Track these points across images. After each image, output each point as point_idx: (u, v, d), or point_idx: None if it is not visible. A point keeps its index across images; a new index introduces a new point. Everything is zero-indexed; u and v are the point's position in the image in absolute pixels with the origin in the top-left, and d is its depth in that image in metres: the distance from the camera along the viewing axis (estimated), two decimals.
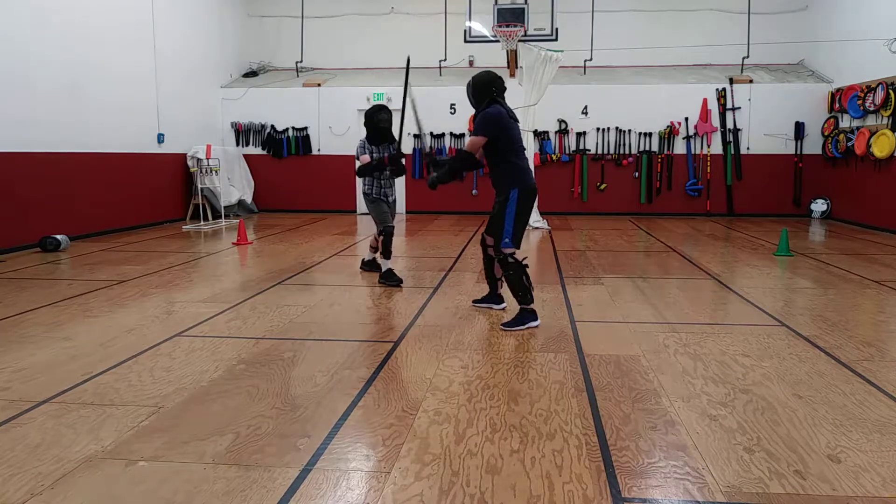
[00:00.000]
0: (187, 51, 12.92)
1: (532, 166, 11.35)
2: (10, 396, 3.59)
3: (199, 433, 3.11)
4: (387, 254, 6.64)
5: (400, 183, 14.09)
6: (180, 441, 3.03)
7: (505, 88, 5.22)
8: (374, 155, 6.60)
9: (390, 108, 6.79)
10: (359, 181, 6.65)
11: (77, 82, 9.79)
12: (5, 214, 8.58)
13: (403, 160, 6.52)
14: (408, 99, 6.08)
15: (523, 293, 5.02)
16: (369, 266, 7.26)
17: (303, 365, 4.13)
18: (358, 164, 6.59)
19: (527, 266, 5.10)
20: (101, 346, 4.52)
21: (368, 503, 2.52)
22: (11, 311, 5.53)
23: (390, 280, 6.60)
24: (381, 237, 6.63)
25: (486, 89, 5.11)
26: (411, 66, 6.27)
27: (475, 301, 5.79)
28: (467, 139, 5.09)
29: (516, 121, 5.20)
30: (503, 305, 5.59)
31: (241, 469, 2.77)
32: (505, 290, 5.55)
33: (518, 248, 5.09)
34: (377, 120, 6.56)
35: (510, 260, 5.04)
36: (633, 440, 3.04)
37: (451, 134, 13.89)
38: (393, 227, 6.68)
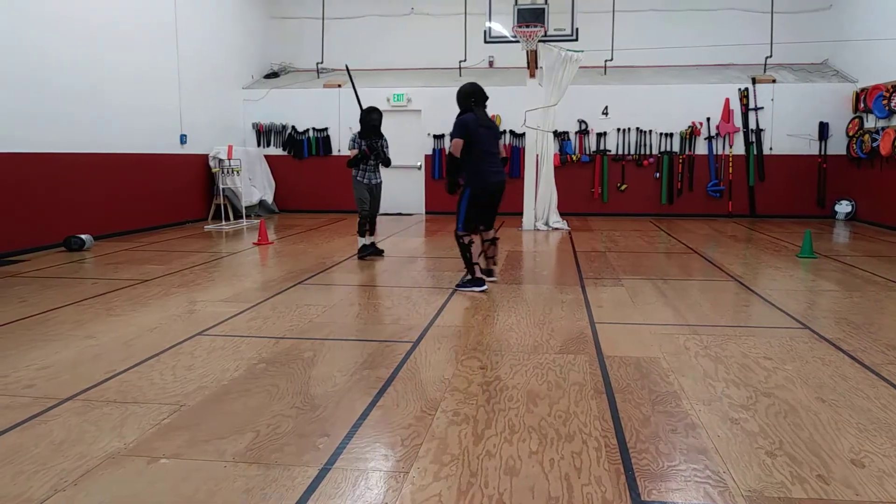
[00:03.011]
0: (209, 52, 13.04)
1: (552, 167, 11.48)
2: (35, 394, 3.64)
3: (219, 431, 3.14)
4: (361, 232, 8.17)
5: (419, 184, 14.18)
6: (201, 439, 3.06)
7: (485, 98, 6.35)
8: (362, 146, 7.95)
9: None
10: (354, 170, 8.14)
11: (100, 84, 9.92)
12: (31, 214, 8.72)
13: (386, 149, 8.09)
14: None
15: (468, 266, 6.34)
16: (371, 251, 8.28)
17: (322, 364, 4.15)
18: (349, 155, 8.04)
19: (472, 244, 6.28)
20: (123, 345, 4.57)
21: (387, 503, 2.53)
22: (36, 309, 5.61)
23: (363, 252, 8.19)
24: (360, 219, 8.19)
25: (465, 99, 6.27)
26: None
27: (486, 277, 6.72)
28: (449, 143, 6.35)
29: (489, 128, 6.31)
30: (494, 279, 6.69)
31: (261, 468, 2.79)
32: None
33: (470, 232, 6.27)
34: (370, 119, 7.97)
35: (461, 241, 6.27)
36: (652, 443, 3.02)
37: None
38: (368, 212, 8.14)
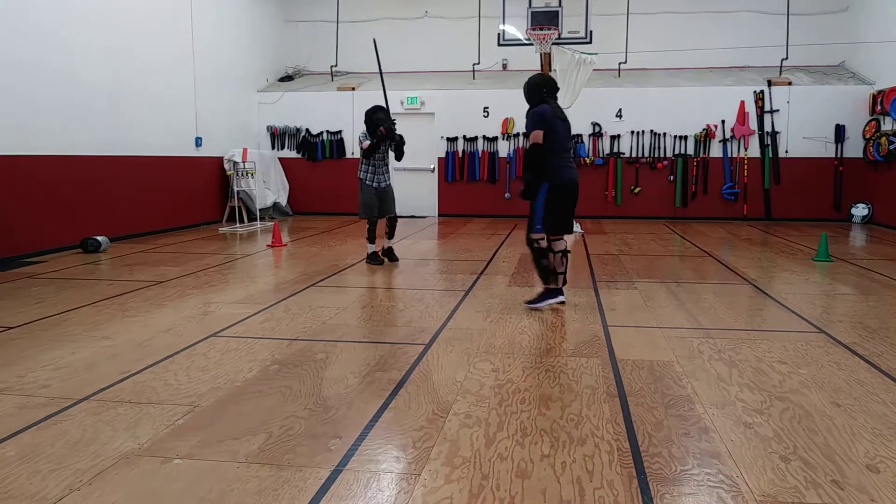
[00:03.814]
0: (225, 56, 13.14)
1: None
2: (51, 394, 3.68)
3: (233, 432, 3.16)
4: (371, 238, 7.91)
5: (433, 187, 14.20)
6: (215, 440, 3.08)
7: (557, 89, 5.88)
8: (379, 128, 7.60)
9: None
10: (362, 173, 7.85)
11: (117, 87, 10.01)
12: (48, 216, 8.81)
13: (396, 127, 7.71)
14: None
15: (543, 275, 5.73)
16: (387, 255, 7.99)
17: (335, 366, 4.16)
18: (361, 149, 7.76)
19: (549, 250, 5.68)
20: (138, 346, 4.61)
21: None
22: (53, 310, 5.67)
23: (374, 261, 7.91)
24: (368, 225, 7.88)
25: (537, 90, 5.77)
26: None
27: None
28: (525, 141, 5.72)
29: (564, 120, 5.74)
30: (560, 299, 5.81)
31: (274, 469, 2.80)
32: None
33: (553, 234, 5.69)
34: (376, 118, 7.66)
35: (534, 245, 5.66)
36: (665, 447, 3.01)
37: (484, 137, 13.90)
38: (377, 218, 7.86)
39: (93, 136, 9.58)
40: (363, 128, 7.77)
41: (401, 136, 7.73)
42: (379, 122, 7.60)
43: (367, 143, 7.62)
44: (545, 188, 5.59)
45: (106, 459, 2.88)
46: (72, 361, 4.26)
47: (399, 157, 7.84)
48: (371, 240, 7.91)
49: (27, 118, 8.45)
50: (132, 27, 10.33)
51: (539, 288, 5.90)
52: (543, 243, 5.66)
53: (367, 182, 7.77)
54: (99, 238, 9.08)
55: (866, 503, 2.53)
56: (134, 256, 8.70)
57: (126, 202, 10.34)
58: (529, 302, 5.75)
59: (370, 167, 7.76)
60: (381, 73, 8.07)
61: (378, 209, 7.83)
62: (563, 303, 5.74)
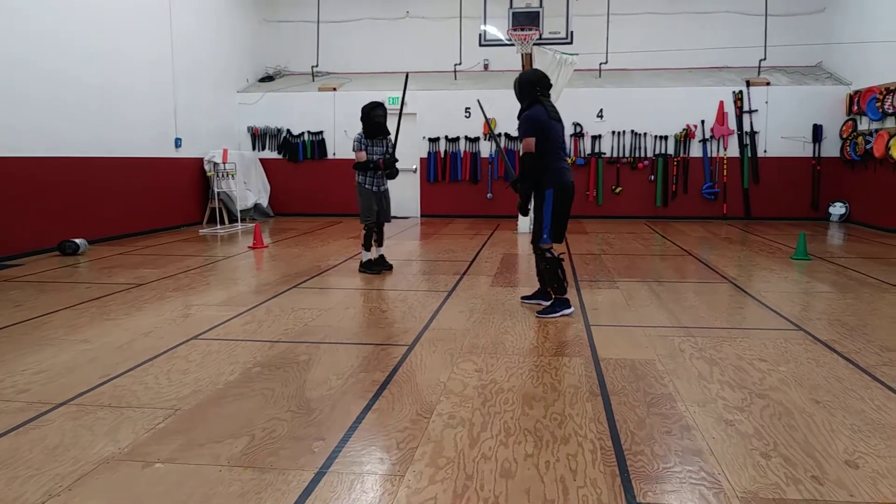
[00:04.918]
0: (204, 56, 13.02)
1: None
2: (30, 398, 3.63)
3: (214, 435, 3.13)
4: (367, 245, 7.52)
5: (415, 187, 14.18)
6: (196, 443, 3.05)
7: (550, 86, 5.56)
8: (369, 149, 7.23)
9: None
10: (359, 177, 7.43)
11: (96, 88, 9.89)
12: (25, 218, 8.68)
13: (397, 163, 7.36)
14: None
15: (557, 285, 5.47)
16: (379, 264, 7.57)
17: (317, 368, 4.14)
18: (355, 154, 7.31)
19: (562, 260, 5.51)
20: (118, 349, 4.56)
21: None
22: (32, 313, 5.60)
23: (369, 269, 7.49)
24: (364, 231, 7.46)
25: (530, 88, 5.43)
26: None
27: (524, 297, 6.03)
28: (510, 143, 5.52)
29: (558, 120, 5.44)
30: (551, 302, 5.66)
31: (256, 472, 2.78)
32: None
33: (558, 242, 5.50)
34: (373, 115, 7.13)
35: (547, 255, 5.48)
36: (648, 445, 3.03)
37: (466, 138, 13.92)
38: (374, 223, 7.41)
39: (70, 137, 9.44)
40: (358, 128, 7.37)
41: (398, 172, 7.45)
42: (377, 121, 7.16)
43: (362, 154, 7.21)
44: (551, 193, 5.33)
45: (86, 464, 2.85)
46: (51, 365, 4.21)
47: (391, 177, 7.45)
48: (367, 247, 7.55)
49: (7, 119, 8.33)
50: (109, 26, 10.20)
51: (528, 290, 5.91)
52: (557, 253, 5.51)
53: (365, 186, 7.35)
54: (77, 240, 8.96)
55: (846, 498, 2.56)
56: (113, 259, 8.61)
57: (104, 204, 10.22)
58: (542, 313, 5.49)
59: (367, 174, 7.33)
60: (401, 111, 7.79)
61: (378, 213, 7.41)
62: (571, 314, 5.47)
